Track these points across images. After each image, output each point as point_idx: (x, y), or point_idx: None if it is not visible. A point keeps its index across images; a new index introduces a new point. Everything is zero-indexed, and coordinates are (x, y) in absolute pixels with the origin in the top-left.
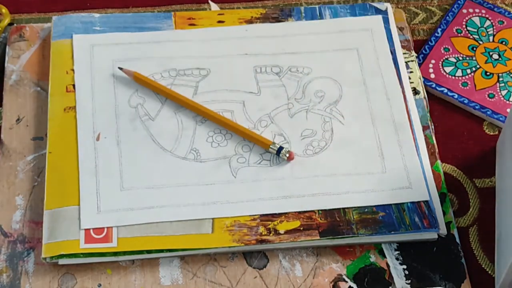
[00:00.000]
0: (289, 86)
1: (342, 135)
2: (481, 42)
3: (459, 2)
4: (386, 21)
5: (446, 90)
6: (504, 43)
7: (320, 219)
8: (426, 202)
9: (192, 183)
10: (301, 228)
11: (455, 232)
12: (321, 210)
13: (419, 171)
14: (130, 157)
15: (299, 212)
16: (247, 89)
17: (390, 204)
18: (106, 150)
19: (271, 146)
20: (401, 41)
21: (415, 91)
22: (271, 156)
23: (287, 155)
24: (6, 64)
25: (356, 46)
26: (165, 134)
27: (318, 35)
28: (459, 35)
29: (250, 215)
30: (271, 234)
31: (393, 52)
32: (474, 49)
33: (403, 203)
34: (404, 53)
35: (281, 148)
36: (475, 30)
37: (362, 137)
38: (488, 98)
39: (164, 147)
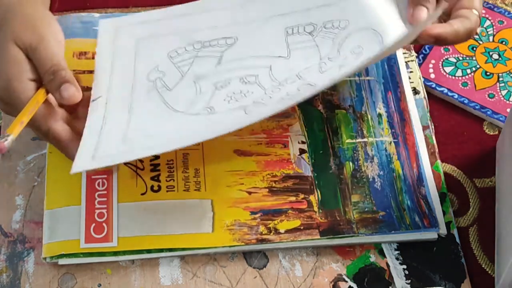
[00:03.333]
0: (323, 46)
1: None
2: (481, 42)
3: None
4: None
5: (446, 90)
6: (504, 43)
7: (320, 219)
8: (426, 201)
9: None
10: (302, 228)
11: (455, 232)
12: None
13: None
14: (139, 116)
15: (300, 211)
16: (276, 54)
17: (390, 204)
18: (115, 113)
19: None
20: None
21: (415, 91)
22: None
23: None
24: None
25: None
26: (180, 100)
27: None
28: None
29: (249, 211)
30: (271, 233)
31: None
32: (474, 49)
33: (403, 203)
34: (404, 53)
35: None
36: None
37: None
38: (488, 98)
39: (176, 110)
